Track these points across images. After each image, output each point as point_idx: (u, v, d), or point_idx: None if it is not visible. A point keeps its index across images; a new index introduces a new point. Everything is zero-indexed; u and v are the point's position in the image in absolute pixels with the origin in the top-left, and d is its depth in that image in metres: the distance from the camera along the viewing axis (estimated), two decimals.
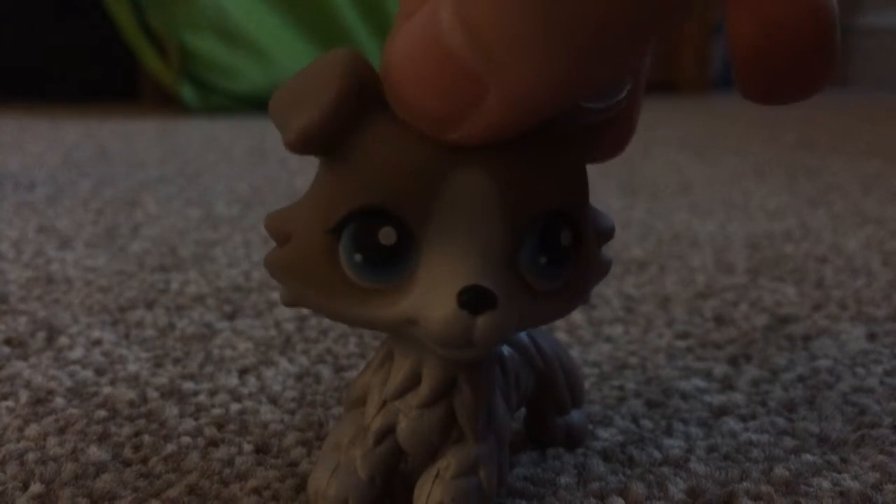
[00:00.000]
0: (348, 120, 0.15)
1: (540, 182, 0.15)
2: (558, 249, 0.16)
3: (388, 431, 0.18)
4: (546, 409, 0.22)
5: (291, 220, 0.16)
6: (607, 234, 0.18)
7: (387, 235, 0.15)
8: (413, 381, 0.17)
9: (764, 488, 0.20)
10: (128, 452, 0.22)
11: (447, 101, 0.14)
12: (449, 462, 0.17)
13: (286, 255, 0.16)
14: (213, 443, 0.22)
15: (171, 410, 0.24)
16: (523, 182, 0.15)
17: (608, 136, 0.18)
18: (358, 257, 0.15)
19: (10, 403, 0.25)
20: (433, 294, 0.15)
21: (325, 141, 0.15)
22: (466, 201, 0.15)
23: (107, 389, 0.26)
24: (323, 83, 0.15)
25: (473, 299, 0.15)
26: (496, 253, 0.15)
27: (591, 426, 0.24)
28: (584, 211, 0.17)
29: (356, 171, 0.15)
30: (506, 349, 0.20)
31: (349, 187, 0.15)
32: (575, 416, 0.22)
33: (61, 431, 0.23)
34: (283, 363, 0.28)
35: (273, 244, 0.17)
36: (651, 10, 0.12)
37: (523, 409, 0.23)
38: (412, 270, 0.15)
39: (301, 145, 0.15)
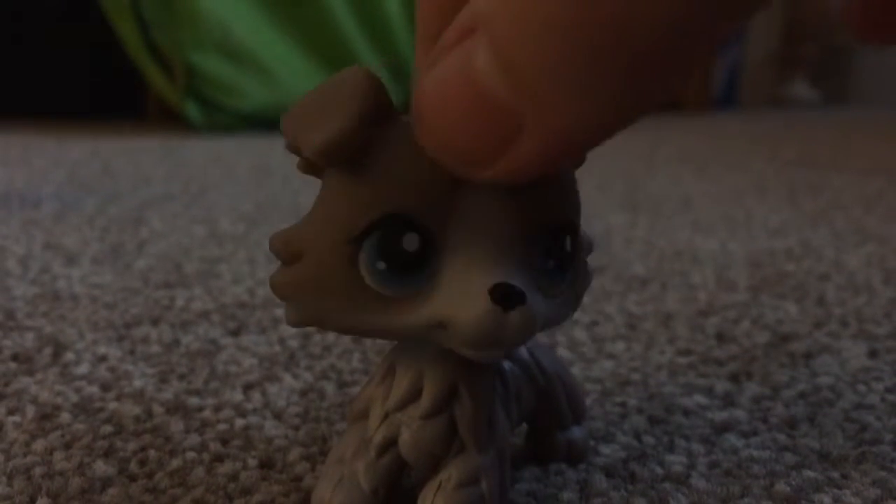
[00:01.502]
0: (370, 131, 0.15)
1: (551, 195, 0.16)
2: (564, 254, 0.17)
3: (391, 443, 0.18)
4: (547, 424, 0.22)
5: (301, 238, 0.16)
6: (590, 247, 0.19)
7: (410, 242, 0.15)
8: (415, 393, 0.18)
9: None
10: (133, 467, 0.22)
11: (481, 140, 0.14)
12: (451, 473, 0.18)
13: (298, 273, 0.16)
14: (218, 458, 0.23)
15: (177, 426, 0.24)
16: (537, 194, 0.16)
17: None
18: (381, 265, 0.15)
19: (16, 418, 0.25)
20: (463, 295, 0.15)
21: (349, 151, 0.15)
22: (486, 209, 0.16)
23: (112, 405, 0.26)
24: (346, 97, 0.15)
25: (506, 295, 0.15)
26: (515, 257, 0.16)
27: (593, 442, 0.24)
28: (579, 219, 0.18)
29: (377, 182, 0.15)
30: (507, 364, 0.20)
31: (371, 198, 0.15)
32: (576, 431, 0.23)
33: (67, 446, 0.23)
34: (288, 379, 0.28)
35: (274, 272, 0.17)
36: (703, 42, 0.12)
37: (525, 426, 0.23)
38: (434, 276, 0.16)
39: (328, 154, 0.15)
